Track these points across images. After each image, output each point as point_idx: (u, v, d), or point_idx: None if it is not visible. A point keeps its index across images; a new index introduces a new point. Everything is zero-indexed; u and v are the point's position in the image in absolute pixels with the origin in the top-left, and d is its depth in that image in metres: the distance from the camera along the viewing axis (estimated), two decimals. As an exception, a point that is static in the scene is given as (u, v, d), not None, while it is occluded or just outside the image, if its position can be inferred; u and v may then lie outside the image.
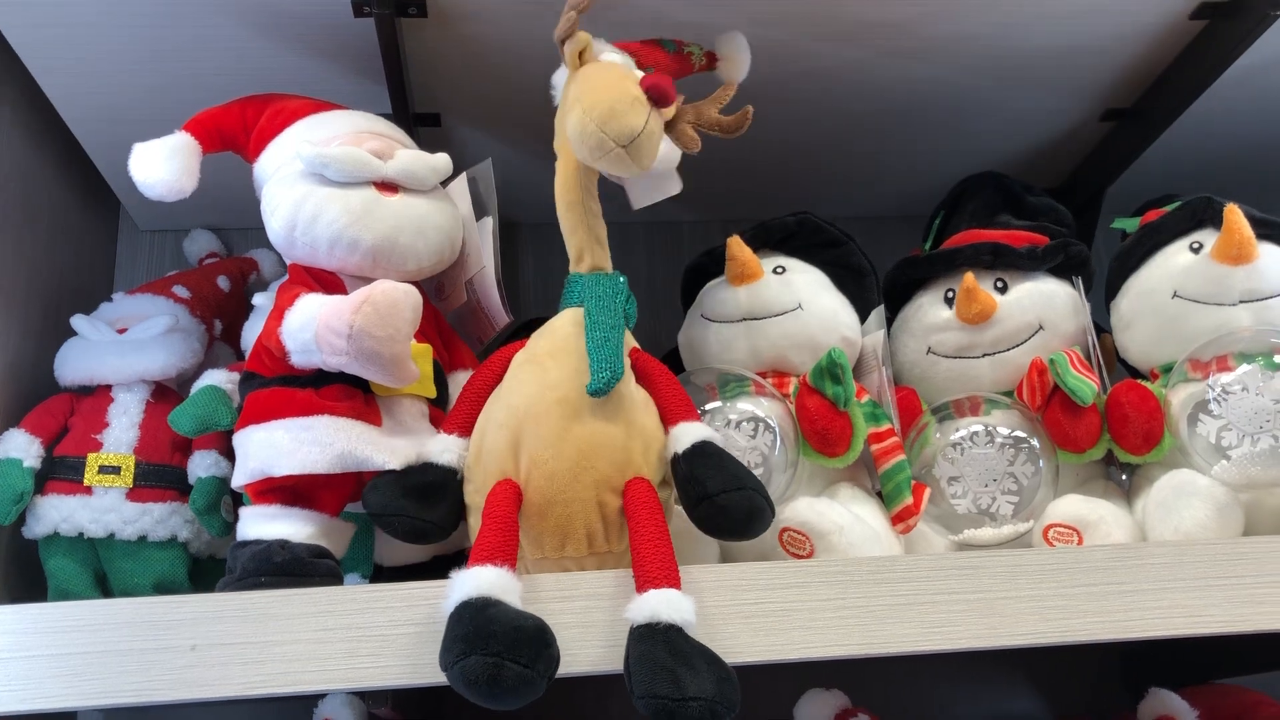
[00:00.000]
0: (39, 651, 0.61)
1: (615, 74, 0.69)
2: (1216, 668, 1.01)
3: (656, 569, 0.62)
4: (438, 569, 0.77)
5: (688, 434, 0.68)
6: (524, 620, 0.58)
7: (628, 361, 0.70)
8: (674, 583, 0.61)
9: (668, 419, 0.70)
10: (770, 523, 0.66)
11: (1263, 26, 0.89)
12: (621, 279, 0.73)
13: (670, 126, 0.72)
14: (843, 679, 0.92)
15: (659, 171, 0.76)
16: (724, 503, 0.64)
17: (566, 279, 0.74)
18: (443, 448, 0.70)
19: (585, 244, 0.73)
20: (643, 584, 0.61)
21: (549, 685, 0.57)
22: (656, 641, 0.58)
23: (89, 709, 0.62)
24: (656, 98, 0.67)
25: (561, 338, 0.70)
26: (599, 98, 0.66)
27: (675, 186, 0.78)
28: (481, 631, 0.56)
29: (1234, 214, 0.81)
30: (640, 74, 0.70)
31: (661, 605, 0.60)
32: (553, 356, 0.69)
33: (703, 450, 0.67)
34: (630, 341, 0.73)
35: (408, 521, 0.67)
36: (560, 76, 0.75)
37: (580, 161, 0.70)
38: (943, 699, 1.12)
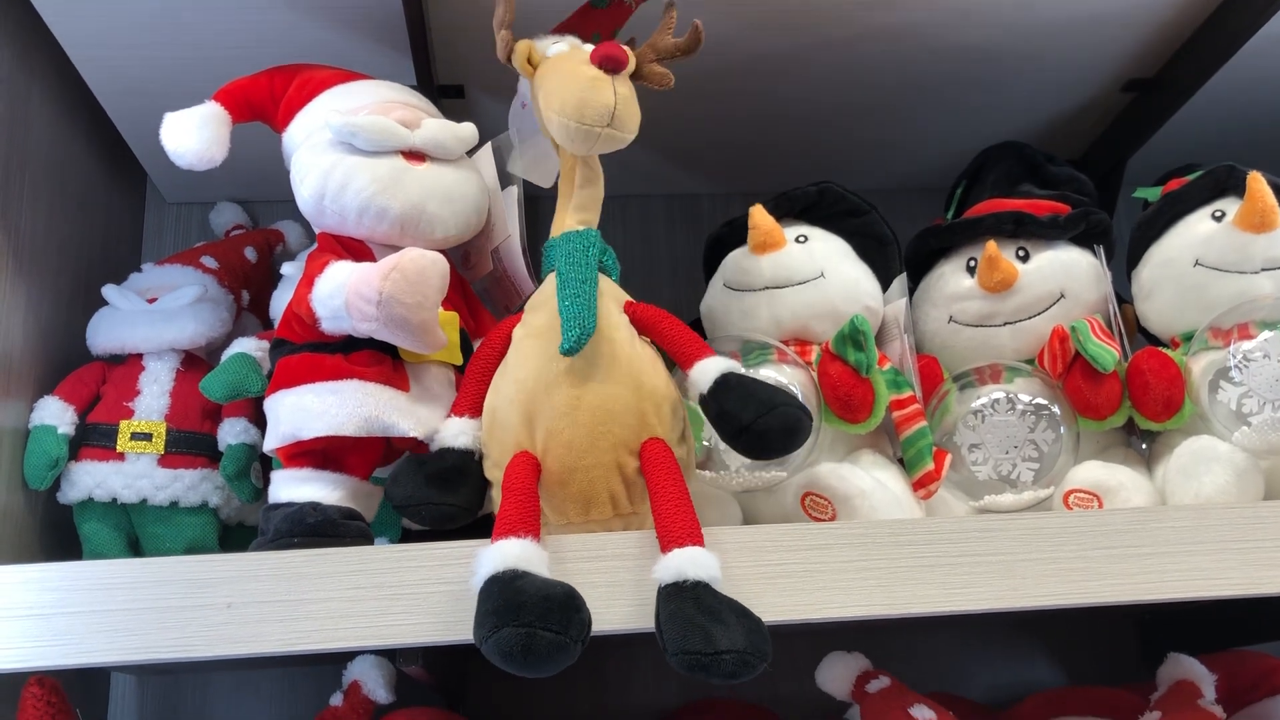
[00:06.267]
0: (81, 608, 0.62)
1: (565, 65, 0.71)
2: (1233, 635, 1.01)
3: (679, 528, 0.63)
4: (466, 531, 0.78)
5: (708, 371, 0.68)
6: (553, 588, 0.59)
7: (623, 320, 0.71)
8: (697, 540, 0.62)
9: (684, 361, 0.70)
10: (810, 431, 0.67)
11: (1286, -5, 0.89)
12: (592, 233, 0.73)
13: (638, 74, 0.74)
14: (863, 646, 0.93)
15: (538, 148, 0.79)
16: (761, 428, 0.65)
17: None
18: (457, 431, 0.71)
19: (561, 214, 0.75)
20: (667, 543, 0.62)
21: (583, 649, 0.58)
22: (685, 599, 0.59)
23: (129, 664, 0.63)
24: (610, 67, 0.69)
25: (553, 309, 0.70)
26: (564, 96, 0.69)
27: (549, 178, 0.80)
28: (512, 603, 0.57)
29: (1257, 182, 0.81)
30: (588, 48, 0.72)
31: (687, 563, 0.61)
32: (552, 329, 0.69)
33: (727, 383, 0.67)
34: (621, 295, 0.73)
35: (433, 508, 0.68)
36: (525, 92, 0.78)
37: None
38: (961, 666, 1.13)
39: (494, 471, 0.70)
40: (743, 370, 0.69)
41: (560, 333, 0.68)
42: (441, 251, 0.73)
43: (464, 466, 0.70)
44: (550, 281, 0.72)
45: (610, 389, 0.68)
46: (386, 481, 0.70)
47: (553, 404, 0.68)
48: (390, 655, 0.87)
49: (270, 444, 0.75)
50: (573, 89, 0.69)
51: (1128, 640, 1.15)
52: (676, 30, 0.76)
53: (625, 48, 0.72)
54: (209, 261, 0.99)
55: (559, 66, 0.72)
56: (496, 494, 0.69)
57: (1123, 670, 1.13)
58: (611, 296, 0.72)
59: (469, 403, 0.72)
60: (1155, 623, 1.13)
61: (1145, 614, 1.13)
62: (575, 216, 0.74)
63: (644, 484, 0.67)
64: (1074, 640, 1.14)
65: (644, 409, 0.68)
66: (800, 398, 0.78)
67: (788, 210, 0.90)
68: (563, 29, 0.78)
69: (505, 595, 0.58)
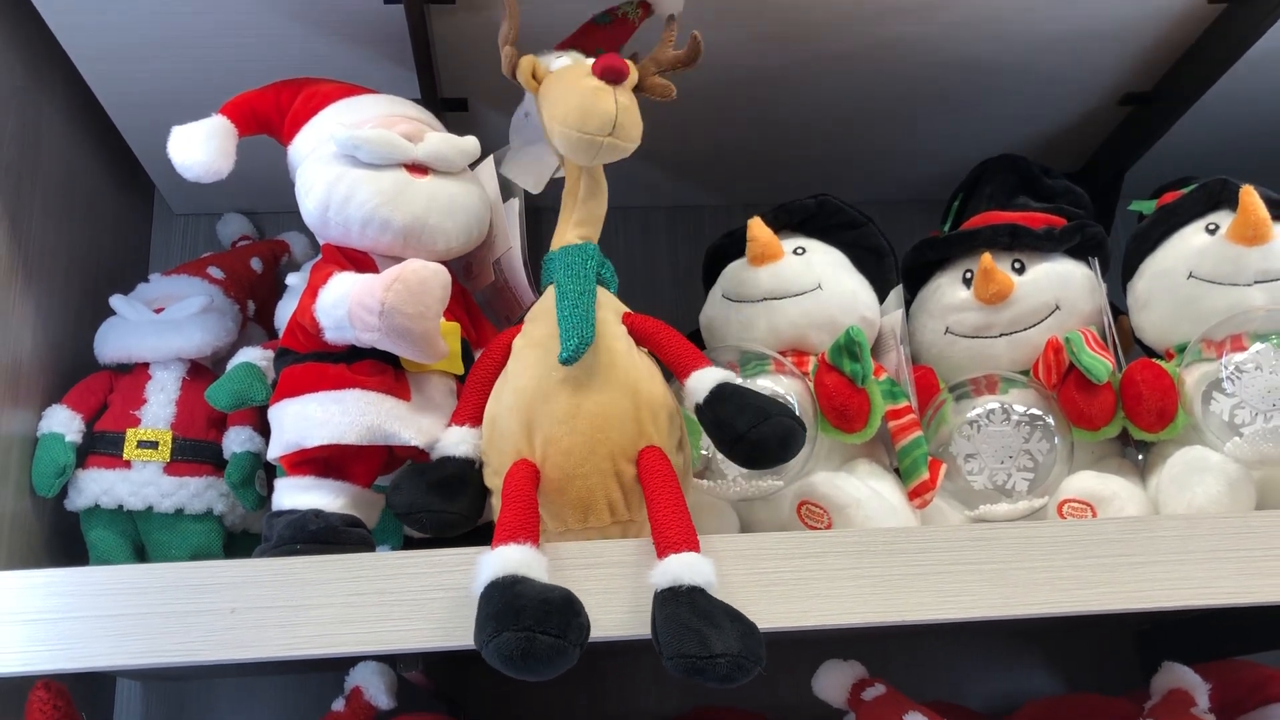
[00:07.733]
0: (86, 613, 0.63)
1: (568, 77, 0.72)
2: (1229, 646, 1.02)
3: (675, 534, 0.63)
4: (466, 538, 0.79)
5: (704, 381, 0.69)
6: (551, 593, 0.59)
7: (621, 330, 0.72)
8: (693, 546, 0.63)
9: (680, 371, 0.71)
10: (804, 441, 0.68)
11: (1281, 9, 0.90)
12: (590, 246, 0.75)
13: (641, 87, 0.75)
14: (859, 654, 0.93)
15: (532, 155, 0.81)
16: (756, 437, 0.66)
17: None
18: (457, 440, 0.72)
19: (563, 228, 0.76)
20: (663, 549, 0.63)
21: (581, 653, 0.59)
22: (681, 603, 0.60)
23: (134, 668, 0.64)
24: (612, 78, 0.71)
25: (552, 319, 0.71)
26: (567, 106, 0.71)
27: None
28: (511, 608, 0.58)
29: (1250, 195, 0.82)
30: (590, 62, 0.73)
31: (683, 569, 0.61)
32: (552, 338, 0.70)
33: (722, 393, 0.68)
34: (620, 307, 0.75)
35: (433, 516, 0.69)
36: (529, 103, 0.79)
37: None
38: (958, 674, 1.13)
39: (494, 479, 0.71)
40: (738, 381, 0.70)
41: (559, 342, 0.69)
42: (443, 263, 0.74)
43: (464, 475, 0.71)
44: (550, 294, 0.73)
45: (608, 397, 0.69)
46: (388, 490, 0.71)
47: (552, 412, 0.69)
48: (391, 661, 0.88)
49: (274, 452, 0.75)
50: (575, 99, 0.70)
51: (1125, 651, 1.15)
52: (677, 43, 0.78)
53: (626, 60, 0.73)
54: (215, 272, 1.00)
55: (562, 79, 0.73)
56: (496, 502, 0.70)
57: (1120, 680, 1.13)
58: (610, 308, 0.73)
59: (469, 412, 0.73)
60: (1153, 633, 1.13)
61: (1144, 623, 1.13)
62: (575, 231, 0.75)
63: (641, 491, 0.68)
64: (1071, 649, 1.15)
65: (641, 417, 0.69)
66: (797, 408, 0.79)
67: (786, 222, 0.91)
68: (566, 45, 0.79)
69: (505, 600, 0.59)
